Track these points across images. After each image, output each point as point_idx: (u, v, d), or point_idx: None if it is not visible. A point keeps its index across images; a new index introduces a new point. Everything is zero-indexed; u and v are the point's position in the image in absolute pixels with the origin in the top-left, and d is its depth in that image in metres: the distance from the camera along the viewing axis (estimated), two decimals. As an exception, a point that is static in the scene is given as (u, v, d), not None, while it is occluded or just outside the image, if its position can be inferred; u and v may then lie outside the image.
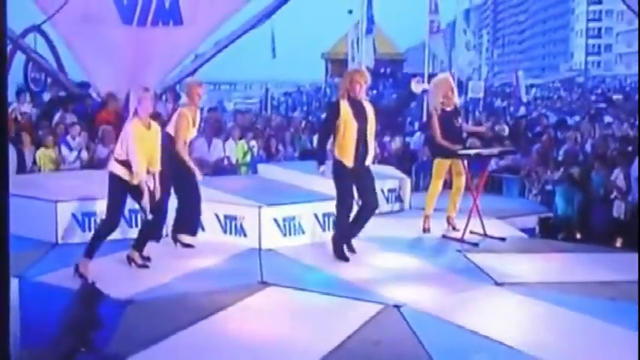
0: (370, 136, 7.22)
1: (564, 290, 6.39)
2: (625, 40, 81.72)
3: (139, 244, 6.95)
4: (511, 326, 5.60)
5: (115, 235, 6.87)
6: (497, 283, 6.58)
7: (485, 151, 8.54)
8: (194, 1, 11.48)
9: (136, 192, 6.59)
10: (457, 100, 8.46)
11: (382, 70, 38.43)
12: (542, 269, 7.22)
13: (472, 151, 8.16)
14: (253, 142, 12.32)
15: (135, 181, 6.47)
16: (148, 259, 6.95)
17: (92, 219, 7.67)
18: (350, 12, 24.07)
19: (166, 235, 7.67)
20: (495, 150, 9.04)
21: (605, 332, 5.46)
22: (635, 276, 6.32)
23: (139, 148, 6.45)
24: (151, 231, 6.92)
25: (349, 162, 7.08)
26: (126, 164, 6.49)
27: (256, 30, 14.31)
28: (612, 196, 9.86)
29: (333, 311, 5.88)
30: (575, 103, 27.17)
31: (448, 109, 8.25)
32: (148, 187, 6.57)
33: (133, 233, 7.34)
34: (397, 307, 5.84)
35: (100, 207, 7.65)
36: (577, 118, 19.95)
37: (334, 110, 7.18)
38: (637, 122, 15.28)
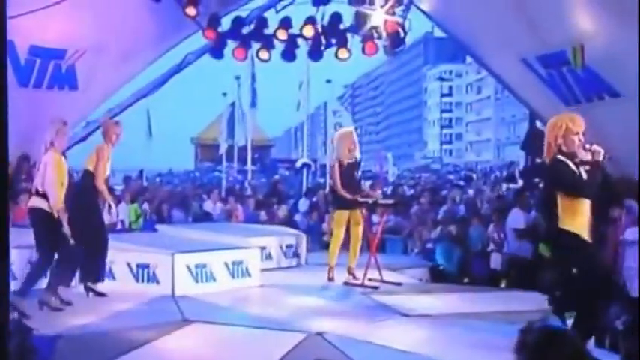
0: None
1: (467, 317, 7.01)
2: (474, 129, 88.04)
3: (53, 285, 6.90)
4: (427, 343, 6.09)
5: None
6: (404, 315, 7.11)
7: (382, 201, 9.19)
8: (90, 68, 11.64)
9: (54, 222, 6.71)
10: (358, 155, 8.96)
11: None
12: (442, 304, 7.85)
13: (371, 200, 8.75)
14: (145, 206, 12.46)
15: (55, 210, 6.62)
16: (68, 302, 6.93)
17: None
18: (224, 94, 24.82)
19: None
20: (391, 200, 9.74)
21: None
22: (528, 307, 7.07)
23: (58, 179, 6.69)
24: (66, 267, 6.96)
25: (586, 233, 5.39)
26: (45, 197, 6.66)
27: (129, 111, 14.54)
28: (489, 249, 10.85)
29: (260, 341, 6.16)
30: (436, 182, 28.90)
31: (349, 161, 8.79)
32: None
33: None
34: (319, 334, 6.21)
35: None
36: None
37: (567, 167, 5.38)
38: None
